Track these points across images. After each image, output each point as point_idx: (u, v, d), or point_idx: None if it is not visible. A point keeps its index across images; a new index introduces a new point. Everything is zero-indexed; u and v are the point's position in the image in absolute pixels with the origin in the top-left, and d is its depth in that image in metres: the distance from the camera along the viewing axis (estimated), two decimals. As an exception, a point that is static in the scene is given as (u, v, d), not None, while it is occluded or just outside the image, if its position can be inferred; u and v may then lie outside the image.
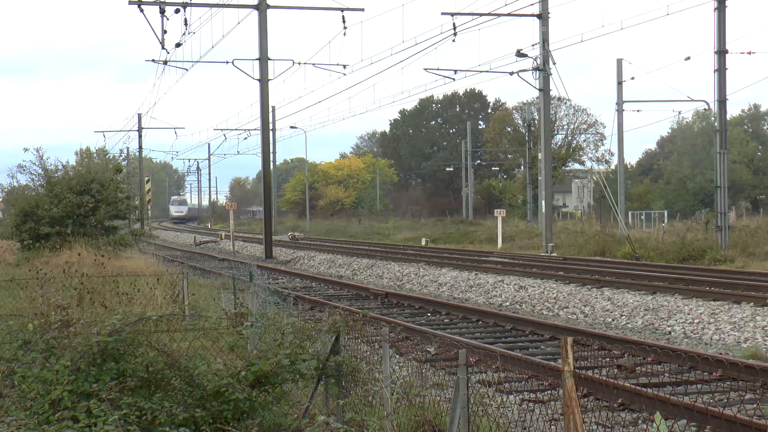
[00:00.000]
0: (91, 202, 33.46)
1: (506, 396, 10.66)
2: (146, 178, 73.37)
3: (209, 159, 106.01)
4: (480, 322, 17.78)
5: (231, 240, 47.30)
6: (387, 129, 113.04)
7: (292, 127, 70.92)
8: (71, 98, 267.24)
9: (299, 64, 42.26)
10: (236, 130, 72.44)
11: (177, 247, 54.01)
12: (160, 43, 37.62)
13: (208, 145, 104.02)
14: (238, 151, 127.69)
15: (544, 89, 37.50)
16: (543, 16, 36.63)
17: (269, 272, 29.96)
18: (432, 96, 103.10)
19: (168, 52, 46.57)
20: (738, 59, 74.83)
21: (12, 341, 8.29)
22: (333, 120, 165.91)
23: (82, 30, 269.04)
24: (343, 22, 36.83)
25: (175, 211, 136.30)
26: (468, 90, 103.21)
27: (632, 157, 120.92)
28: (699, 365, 11.82)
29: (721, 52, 32.94)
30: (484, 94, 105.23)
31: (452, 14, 35.69)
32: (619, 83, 48.06)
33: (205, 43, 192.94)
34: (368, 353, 9.36)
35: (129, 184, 48.06)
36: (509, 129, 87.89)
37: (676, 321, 16.98)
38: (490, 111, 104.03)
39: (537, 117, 59.13)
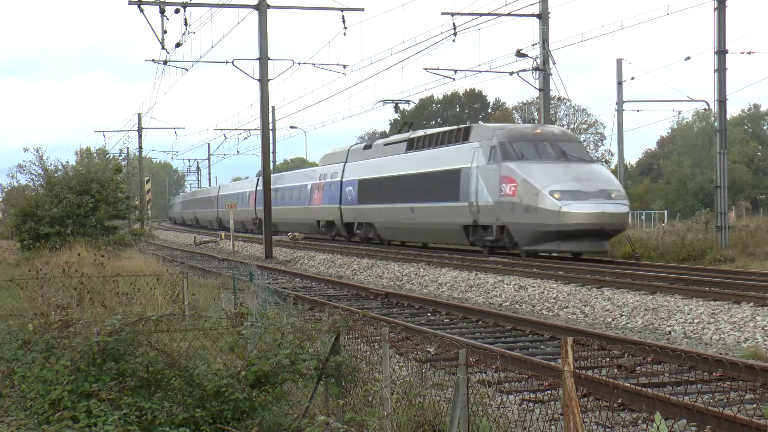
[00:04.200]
0: (91, 202, 33.51)
1: (506, 396, 10.66)
2: (146, 178, 73.42)
3: (209, 159, 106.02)
4: (480, 322, 17.78)
5: (231, 240, 47.29)
6: (387, 129, 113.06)
7: (292, 127, 70.97)
8: (73, 98, 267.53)
9: (299, 64, 42.30)
10: (236, 130, 72.45)
11: (177, 247, 53.99)
12: (160, 43, 37.63)
13: (208, 145, 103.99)
14: (238, 151, 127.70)
15: (544, 89, 37.49)
16: (543, 16, 36.63)
17: (269, 272, 29.94)
18: (432, 96, 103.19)
19: (168, 52, 46.64)
20: (738, 59, 74.85)
21: (12, 341, 8.30)
22: (333, 120, 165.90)
23: (84, 30, 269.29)
24: (343, 22, 36.84)
25: (572, 204, 27.47)
26: (468, 90, 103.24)
27: (632, 157, 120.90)
28: (699, 365, 11.82)
29: (721, 52, 32.93)
30: (484, 94, 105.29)
31: (452, 14, 35.70)
32: (619, 83, 48.09)
33: (205, 43, 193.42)
34: (368, 353, 9.37)
35: (129, 184, 48.11)
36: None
37: (676, 321, 16.97)
38: (490, 111, 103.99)
39: (537, 117, 59.13)
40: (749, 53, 39.43)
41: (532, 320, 17.04)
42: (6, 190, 43.44)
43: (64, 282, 16.44)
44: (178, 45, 38.64)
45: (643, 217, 59.81)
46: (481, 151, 30.70)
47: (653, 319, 17.42)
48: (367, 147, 43.62)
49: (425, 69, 40.24)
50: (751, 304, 17.12)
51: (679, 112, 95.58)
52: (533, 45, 36.96)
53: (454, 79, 40.11)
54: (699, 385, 11.02)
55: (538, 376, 11.31)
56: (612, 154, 78.43)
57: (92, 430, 7.03)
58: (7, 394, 7.97)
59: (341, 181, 44.72)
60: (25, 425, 7.16)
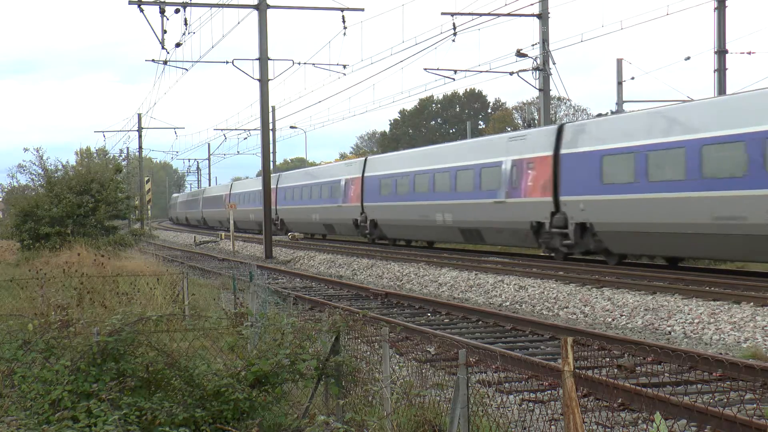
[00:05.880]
0: (91, 202, 33.53)
1: (506, 396, 10.66)
2: (146, 178, 73.42)
3: (209, 159, 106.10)
4: (480, 322, 17.78)
5: (231, 240, 47.30)
6: (387, 129, 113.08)
7: (292, 127, 70.97)
8: (73, 99, 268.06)
9: (299, 64, 42.34)
10: (236, 130, 72.59)
11: (177, 247, 53.99)
12: (160, 43, 37.65)
13: (208, 145, 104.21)
14: (238, 151, 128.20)
15: (544, 89, 37.49)
16: (543, 16, 36.63)
17: (269, 272, 29.95)
18: (432, 96, 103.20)
19: (168, 52, 46.80)
20: (738, 59, 74.81)
21: (12, 341, 8.31)
22: (333, 120, 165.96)
23: (84, 31, 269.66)
24: (343, 22, 36.85)
25: None
26: (468, 90, 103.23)
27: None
28: (699, 365, 11.82)
29: (721, 52, 32.94)
30: (484, 94, 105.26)
31: (452, 14, 35.72)
32: (619, 83, 48.03)
33: (205, 43, 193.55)
34: (368, 353, 9.36)
35: (129, 184, 48.17)
36: (509, 129, 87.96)
37: (676, 321, 16.97)
38: (490, 111, 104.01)
39: (537, 117, 59.18)
40: (749, 53, 39.38)
41: (532, 320, 17.04)
42: (6, 190, 43.54)
43: (64, 282, 16.45)
44: (178, 45, 38.68)
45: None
46: None
47: (653, 319, 17.42)
48: None
49: (425, 69, 40.28)
50: (751, 304, 17.12)
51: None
52: (533, 45, 36.98)
53: (454, 79, 40.13)
54: (699, 385, 11.02)
55: (538, 376, 11.31)
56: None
57: (92, 430, 7.02)
58: (7, 394, 7.97)
59: None
60: (25, 425, 7.16)
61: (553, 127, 28.72)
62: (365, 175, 42.32)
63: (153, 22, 48.20)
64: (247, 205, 61.72)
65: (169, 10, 36.38)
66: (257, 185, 61.89)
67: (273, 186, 55.57)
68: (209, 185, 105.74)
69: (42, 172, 36.27)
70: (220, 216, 73.42)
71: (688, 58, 41.72)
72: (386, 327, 8.39)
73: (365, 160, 43.66)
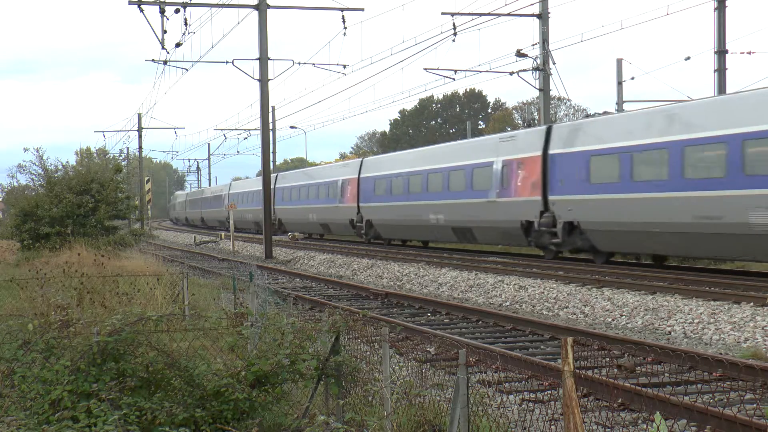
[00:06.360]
0: (91, 202, 33.58)
1: (506, 396, 10.65)
2: (146, 178, 73.46)
3: (209, 159, 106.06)
4: (480, 322, 17.78)
5: (231, 240, 47.29)
6: (387, 129, 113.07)
7: (292, 127, 70.98)
8: (75, 99, 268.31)
9: (299, 64, 42.35)
10: (236, 130, 72.58)
11: (177, 247, 53.97)
12: (160, 43, 37.65)
13: (208, 145, 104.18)
14: (238, 151, 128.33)
15: (544, 89, 37.49)
16: (543, 16, 36.64)
17: (269, 272, 29.95)
18: (432, 96, 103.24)
19: (168, 52, 46.84)
20: (738, 59, 74.87)
21: (12, 341, 8.30)
22: (333, 120, 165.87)
23: (85, 31, 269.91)
24: (343, 22, 36.85)
25: None
26: (468, 90, 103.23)
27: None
28: (699, 365, 11.82)
29: (721, 52, 32.94)
30: (484, 94, 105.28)
31: (452, 14, 35.73)
32: (619, 83, 48.05)
33: (205, 43, 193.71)
34: (368, 353, 9.36)
35: (129, 184, 48.16)
36: (509, 129, 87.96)
37: (676, 321, 16.97)
38: (490, 111, 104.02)
39: (537, 117, 59.17)
40: (749, 53, 39.40)
41: (532, 320, 17.04)
42: (6, 190, 43.60)
43: (64, 282, 16.43)
44: (178, 45, 38.68)
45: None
46: None
47: (653, 319, 17.42)
48: None
49: (425, 69, 40.29)
50: (751, 304, 17.12)
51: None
52: (533, 45, 36.98)
53: (454, 79, 40.13)
54: (699, 385, 11.02)
55: (538, 376, 11.31)
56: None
57: (92, 430, 7.03)
58: (7, 394, 7.97)
59: None
60: (25, 425, 7.17)
61: (542, 128, 28.99)
62: (549, 152, 27.96)
63: (153, 22, 48.24)
64: (307, 202, 48.45)
65: (169, 10, 36.39)
66: (326, 175, 47.72)
67: (354, 176, 43.14)
68: (209, 184, 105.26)
69: (42, 172, 36.34)
70: (257, 216, 55.09)
71: (688, 58, 41.70)
72: (386, 327, 8.39)
73: (578, 123, 28.52)
